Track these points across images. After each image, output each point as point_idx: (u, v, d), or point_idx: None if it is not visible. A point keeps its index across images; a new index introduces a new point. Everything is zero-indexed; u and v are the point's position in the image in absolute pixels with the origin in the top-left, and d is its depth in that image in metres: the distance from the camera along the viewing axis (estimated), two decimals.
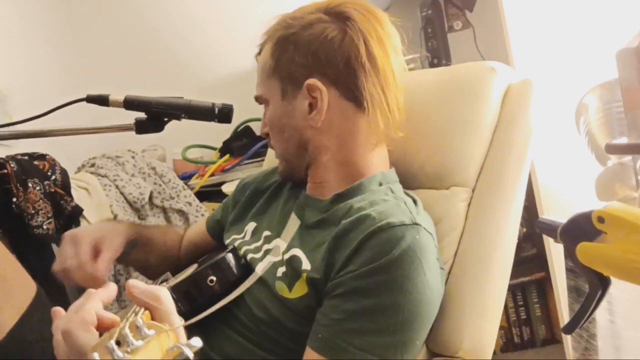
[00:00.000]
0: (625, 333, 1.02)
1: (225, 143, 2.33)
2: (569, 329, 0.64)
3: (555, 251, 1.71)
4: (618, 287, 0.64)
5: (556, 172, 1.47)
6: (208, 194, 2.18)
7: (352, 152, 1.03)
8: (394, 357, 0.85)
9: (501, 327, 2.06)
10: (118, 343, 0.56)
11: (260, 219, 1.15)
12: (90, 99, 1.12)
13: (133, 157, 2.03)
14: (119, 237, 1.14)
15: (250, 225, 1.15)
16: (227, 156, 2.25)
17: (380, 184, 1.03)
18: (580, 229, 0.61)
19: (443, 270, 0.98)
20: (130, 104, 1.11)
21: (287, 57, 1.01)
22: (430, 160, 1.15)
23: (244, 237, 1.13)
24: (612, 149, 0.87)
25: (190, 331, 0.99)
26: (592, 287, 0.61)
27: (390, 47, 1.03)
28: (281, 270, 0.98)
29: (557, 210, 1.18)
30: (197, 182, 2.19)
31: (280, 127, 1.06)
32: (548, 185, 1.55)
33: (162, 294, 0.73)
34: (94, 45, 2.44)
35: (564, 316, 1.66)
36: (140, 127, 1.14)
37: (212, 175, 2.20)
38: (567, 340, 1.61)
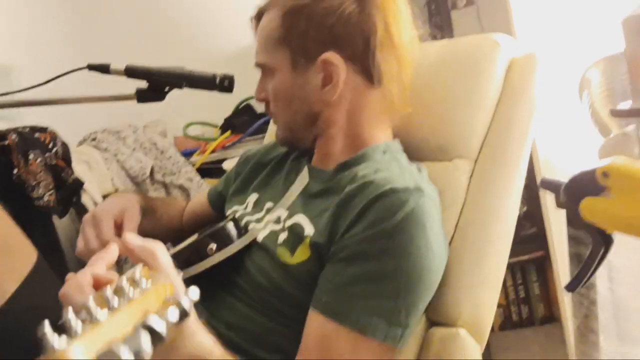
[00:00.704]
0: (625, 302, 1.03)
1: (227, 120, 2.33)
2: (572, 287, 0.64)
3: (555, 230, 1.72)
4: (618, 256, 0.64)
5: (558, 148, 1.47)
6: (209, 170, 2.18)
7: (360, 125, 1.05)
8: (398, 320, 0.86)
9: (500, 305, 2.07)
10: (116, 295, 0.57)
11: (263, 190, 1.15)
12: (92, 67, 1.12)
13: (134, 132, 2.03)
14: (136, 207, 1.14)
15: (253, 197, 1.15)
16: (228, 133, 2.24)
17: (385, 153, 1.03)
18: (585, 186, 0.60)
19: (446, 239, 0.98)
20: (131, 72, 1.11)
21: (300, 29, 1.00)
22: (433, 132, 1.15)
23: (245, 208, 1.13)
24: (618, 113, 0.87)
25: (203, 310, 1.00)
26: (595, 244, 0.61)
27: (404, 21, 1.03)
28: (283, 236, 0.98)
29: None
30: (198, 159, 2.19)
31: (289, 98, 1.04)
32: (549, 162, 1.55)
33: (158, 249, 0.73)
34: (98, 17, 2.43)
35: (563, 296, 1.66)
36: (142, 96, 1.14)
37: (213, 152, 2.20)
38: (566, 318, 1.62)
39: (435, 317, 1.00)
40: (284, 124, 1.09)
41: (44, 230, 1.53)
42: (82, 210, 1.68)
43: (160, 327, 0.50)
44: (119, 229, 1.09)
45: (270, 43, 1.04)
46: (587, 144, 1.26)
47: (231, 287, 1.00)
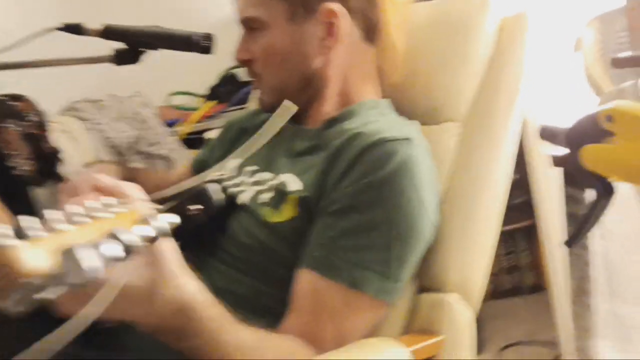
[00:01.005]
0: (616, 260, 1.01)
1: (211, 89, 2.28)
2: (571, 241, 0.61)
3: (543, 197, 1.70)
4: (609, 214, 0.62)
5: (551, 112, 1.44)
6: (193, 141, 2.14)
7: (352, 83, 1.02)
8: (390, 273, 0.84)
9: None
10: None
11: (246, 155, 1.11)
12: (66, 28, 1.07)
13: (116, 102, 1.98)
14: (114, 175, 1.10)
15: (233, 162, 1.11)
16: (212, 102, 2.20)
17: (373, 108, 1.01)
18: (586, 131, 0.57)
19: (438, 186, 0.96)
20: (108, 32, 1.06)
21: None
22: (422, 95, 1.12)
23: (229, 172, 1.09)
24: (619, 62, 0.83)
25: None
26: (597, 195, 0.58)
27: None
28: (267, 196, 0.95)
29: (546, 155, 1.16)
30: (181, 129, 2.15)
31: (285, 54, 0.99)
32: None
33: (133, 188, 0.69)
34: None
35: (550, 264, 1.65)
36: (120, 58, 1.08)
37: (197, 122, 2.15)
38: (553, 284, 1.60)
39: (425, 282, 0.97)
40: (274, 86, 1.02)
41: (23, 200, 1.49)
42: (60, 180, 1.64)
43: (128, 238, 0.47)
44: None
45: None
46: (581, 106, 1.23)
47: (217, 251, 0.97)
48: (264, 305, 0.91)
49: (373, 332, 0.88)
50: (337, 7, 0.96)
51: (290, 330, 0.84)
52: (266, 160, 1.04)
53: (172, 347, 0.70)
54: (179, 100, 2.35)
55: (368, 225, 0.84)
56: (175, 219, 0.56)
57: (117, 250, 0.48)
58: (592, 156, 0.57)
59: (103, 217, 0.53)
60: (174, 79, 2.34)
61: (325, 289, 0.83)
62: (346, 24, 0.97)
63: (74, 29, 1.07)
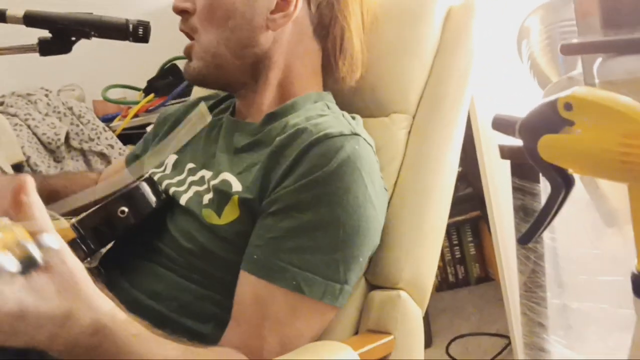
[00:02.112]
0: (565, 251, 1.01)
1: (150, 82, 2.19)
2: (526, 238, 0.58)
3: (492, 189, 1.70)
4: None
5: (497, 103, 1.44)
6: (132, 136, 2.05)
7: (294, 75, 0.98)
8: (336, 275, 0.80)
9: None
10: None
11: (182, 150, 1.04)
12: None
13: (46, 96, 1.88)
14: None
15: (171, 158, 1.04)
16: (151, 96, 2.11)
17: (316, 102, 0.97)
18: (544, 121, 0.54)
19: (386, 192, 0.92)
20: (31, 19, 0.98)
21: None
22: (369, 86, 1.09)
23: (164, 170, 1.03)
24: (568, 49, 0.82)
25: (110, 271, 0.90)
26: (554, 188, 0.56)
27: None
28: (207, 197, 0.89)
29: (497, 148, 1.15)
30: (119, 124, 2.05)
31: (229, 11, 0.92)
32: (489, 119, 1.51)
33: (28, 181, 0.63)
34: None
35: (501, 254, 1.65)
36: (45, 48, 1.01)
37: (135, 116, 2.06)
38: (504, 276, 1.61)
39: (375, 280, 0.94)
40: (209, 47, 0.94)
41: None
42: None
43: None
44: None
45: None
46: (528, 98, 1.22)
47: (155, 255, 0.90)
48: (208, 311, 0.86)
49: (322, 334, 0.85)
50: None
51: (231, 341, 0.80)
52: (205, 156, 0.99)
53: None
54: (116, 94, 2.25)
55: (312, 224, 0.80)
56: (53, 242, 0.51)
57: None
58: (550, 147, 0.54)
59: None
60: (111, 72, 2.24)
61: (267, 294, 0.79)
62: (302, 9, 0.94)
63: None
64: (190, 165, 0.99)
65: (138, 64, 2.17)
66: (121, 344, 0.65)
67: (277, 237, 0.80)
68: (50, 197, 1.07)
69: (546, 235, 0.99)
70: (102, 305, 0.64)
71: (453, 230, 2.10)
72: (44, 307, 0.58)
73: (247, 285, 0.80)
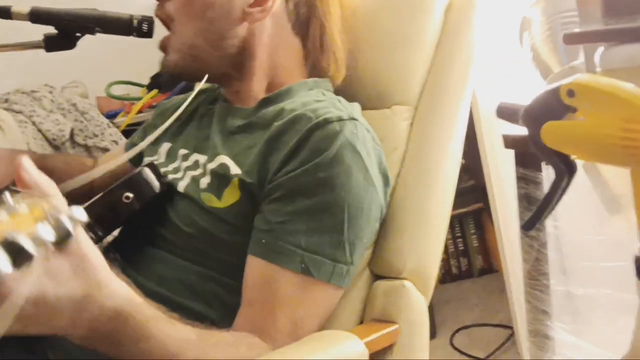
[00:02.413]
0: (569, 238, 1.02)
1: (153, 78, 2.19)
2: (530, 224, 0.59)
3: (494, 180, 1.71)
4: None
5: (500, 95, 1.44)
6: (135, 132, 2.06)
7: (279, 66, 0.99)
8: (342, 256, 0.82)
9: None
10: None
11: (176, 139, 1.05)
12: None
13: (51, 92, 1.88)
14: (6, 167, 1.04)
15: (165, 146, 1.05)
16: (154, 92, 2.12)
17: (311, 89, 0.98)
18: (547, 108, 0.55)
19: (389, 175, 0.93)
20: (36, 16, 0.99)
21: None
22: (371, 78, 1.10)
23: (157, 158, 1.05)
24: (571, 38, 0.83)
25: (117, 258, 0.92)
26: (557, 174, 0.57)
27: None
28: (205, 181, 0.91)
29: (499, 139, 1.16)
30: (123, 120, 2.06)
31: (206, 2, 0.93)
32: (491, 111, 1.51)
33: (52, 189, 0.64)
34: None
35: (504, 246, 1.66)
36: (51, 44, 1.02)
37: (139, 112, 2.07)
38: (507, 267, 1.62)
39: (379, 270, 0.96)
40: (186, 39, 0.95)
41: None
42: None
43: (25, 243, 0.42)
44: None
45: None
46: (530, 89, 1.23)
47: (156, 239, 0.92)
48: (214, 293, 0.87)
49: (329, 320, 0.86)
50: None
51: (243, 324, 0.81)
52: (197, 140, 1.00)
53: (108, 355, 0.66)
54: (120, 91, 2.26)
55: (317, 207, 0.81)
56: (81, 215, 0.52)
57: (13, 260, 0.43)
58: (553, 134, 0.55)
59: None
60: (114, 68, 2.24)
61: (276, 276, 0.80)
62: (280, 5, 0.96)
63: (0, 12, 1.00)
64: (183, 151, 1.00)
65: (141, 60, 2.17)
66: (140, 328, 0.66)
67: (283, 221, 0.81)
68: (48, 174, 1.09)
69: (549, 223, 1.00)
70: (119, 289, 0.65)
71: (456, 223, 2.11)
72: (62, 291, 0.58)
73: (257, 269, 0.82)
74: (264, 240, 0.82)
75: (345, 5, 1.04)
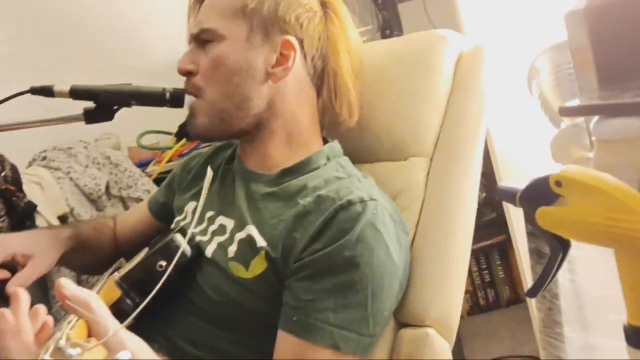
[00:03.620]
0: (587, 292, 1.05)
1: (181, 127, 2.27)
2: (532, 292, 0.65)
3: (515, 214, 1.75)
4: (577, 247, 0.66)
5: (512, 137, 1.49)
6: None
7: (302, 123, 1.04)
8: (366, 330, 0.87)
9: (466, 291, 2.10)
10: None
11: (200, 199, 1.11)
12: (35, 91, 1.08)
13: (85, 148, 1.98)
14: (47, 257, 1.09)
15: (190, 206, 1.11)
16: (183, 140, 2.20)
17: (328, 158, 1.03)
18: (539, 194, 0.62)
19: (407, 236, 0.99)
20: (76, 93, 1.07)
21: (268, 6, 0.98)
22: (387, 132, 1.15)
23: (184, 218, 1.10)
24: (566, 112, 0.88)
25: (151, 320, 0.97)
26: (552, 250, 0.62)
27: (353, 31, 1.07)
28: (232, 249, 0.96)
29: (514, 174, 1.20)
30: (154, 169, 2.15)
31: (233, 69, 0.98)
32: (505, 150, 1.57)
33: (92, 299, 0.71)
34: (36, 37, 2.34)
35: (527, 277, 1.69)
36: (90, 117, 1.10)
37: (169, 160, 2.15)
38: (531, 300, 1.64)
39: (403, 318, 1.00)
40: (214, 102, 1.00)
41: None
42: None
43: None
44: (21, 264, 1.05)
45: (227, 11, 0.99)
46: (540, 131, 1.27)
47: (187, 305, 0.97)
48: (244, 357, 0.93)
49: None
50: (295, 42, 0.99)
51: None
52: (221, 202, 1.05)
53: None
54: (150, 140, 2.34)
55: (345, 285, 0.86)
56: (127, 356, 0.59)
57: None
58: (546, 218, 0.61)
59: None
60: (142, 118, 2.32)
61: (307, 352, 0.85)
62: (299, 61, 1.01)
63: (44, 91, 1.08)
64: (209, 213, 1.05)
65: (168, 110, 2.27)
66: None
67: (313, 299, 0.87)
68: (79, 248, 1.15)
69: (565, 277, 1.03)
70: None
71: (481, 255, 2.14)
72: None
73: (288, 344, 0.87)
74: (295, 318, 0.87)
75: (352, 53, 1.09)
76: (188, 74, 1.02)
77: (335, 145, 1.07)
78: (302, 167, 1.01)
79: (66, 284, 0.71)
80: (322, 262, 0.87)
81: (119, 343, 0.69)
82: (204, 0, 1.03)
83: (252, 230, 0.95)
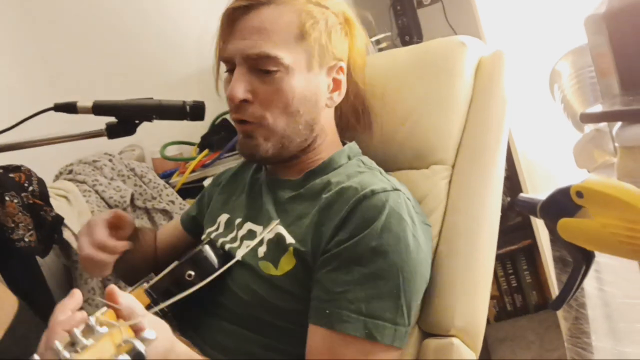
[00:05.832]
0: (615, 300, 1.03)
1: (203, 138, 2.30)
2: (557, 305, 0.64)
3: (540, 220, 1.72)
4: (605, 255, 0.64)
5: (535, 141, 1.47)
6: (190, 190, 2.16)
7: (327, 134, 1.06)
8: (402, 319, 0.87)
9: (493, 297, 2.08)
10: (72, 345, 0.57)
11: (231, 209, 1.13)
12: (58, 108, 1.10)
13: (110, 160, 2.00)
14: (129, 218, 1.15)
15: (223, 217, 1.13)
16: (206, 151, 2.22)
17: (349, 157, 1.05)
18: (560, 205, 0.60)
19: (430, 228, 1.00)
20: (99, 109, 1.09)
21: (320, 31, 0.99)
22: (409, 140, 1.15)
23: (217, 229, 1.12)
24: (587, 118, 0.87)
25: (182, 328, 0.99)
26: (575, 262, 0.61)
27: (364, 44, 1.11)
28: (262, 250, 0.97)
29: (538, 179, 1.18)
30: (178, 180, 2.16)
31: (301, 99, 0.98)
32: (528, 154, 1.55)
33: (137, 306, 0.73)
34: (57, 54, 2.38)
35: (554, 282, 1.67)
36: (112, 132, 1.12)
37: (192, 171, 2.17)
38: None
39: (428, 328, 1.00)
40: (281, 132, 0.99)
41: (28, 271, 1.51)
42: (65, 246, 1.66)
43: None
44: (115, 230, 1.10)
45: (286, 36, 0.96)
46: (563, 135, 1.26)
47: (218, 310, 0.99)
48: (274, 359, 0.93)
49: None
50: (345, 66, 1.03)
51: None
52: (250, 210, 1.07)
53: None
54: (173, 151, 2.37)
55: (374, 274, 0.86)
56: (152, 335, 0.61)
57: None
58: (567, 229, 0.60)
59: (87, 346, 0.57)
60: (165, 129, 2.35)
61: (341, 344, 0.85)
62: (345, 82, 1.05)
63: (67, 108, 1.10)
64: (238, 220, 1.07)
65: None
66: None
67: (343, 290, 0.86)
68: (135, 238, 1.18)
69: (592, 285, 1.02)
70: None
71: (507, 260, 2.11)
72: None
73: (321, 337, 0.87)
74: (327, 310, 0.87)
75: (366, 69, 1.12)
76: (243, 102, 0.97)
77: (353, 146, 1.09)
78: (325, 167, 1.03)
79: (116, 291, 0.73)
80: (349, 253, 0.87)
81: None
82: (247, 22, 0.97)
83: (280, 229, 0.97)
